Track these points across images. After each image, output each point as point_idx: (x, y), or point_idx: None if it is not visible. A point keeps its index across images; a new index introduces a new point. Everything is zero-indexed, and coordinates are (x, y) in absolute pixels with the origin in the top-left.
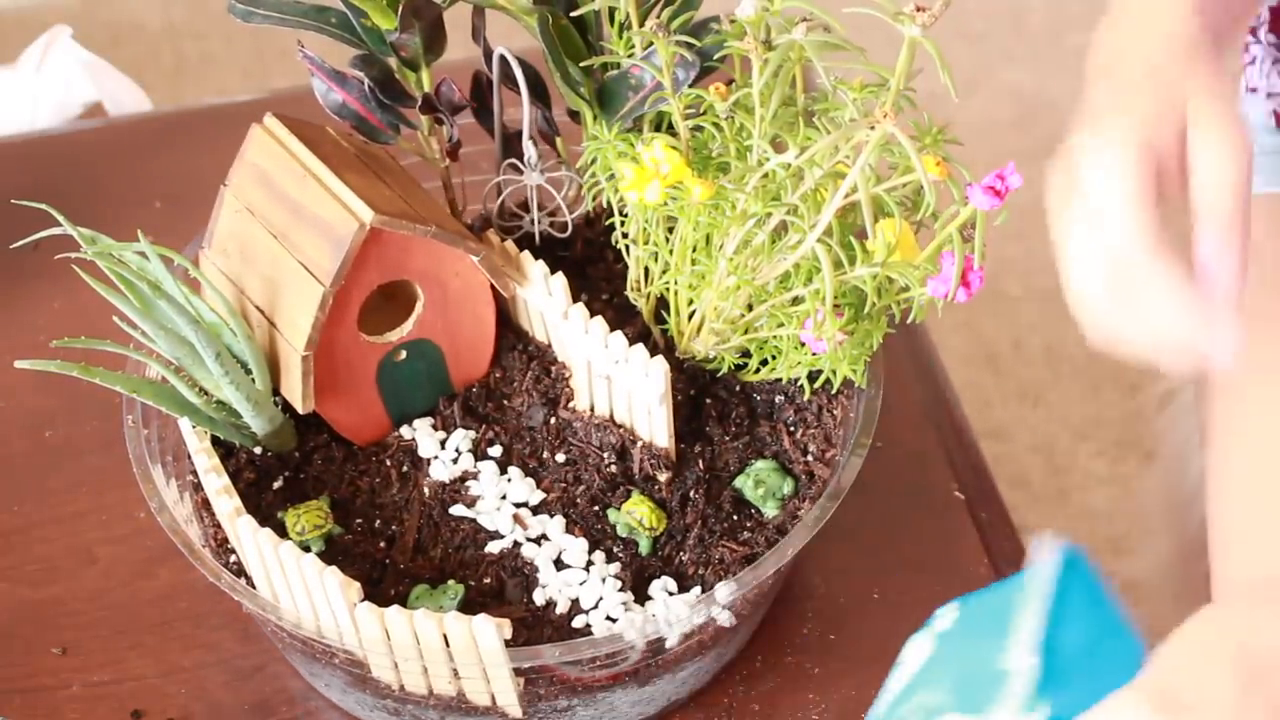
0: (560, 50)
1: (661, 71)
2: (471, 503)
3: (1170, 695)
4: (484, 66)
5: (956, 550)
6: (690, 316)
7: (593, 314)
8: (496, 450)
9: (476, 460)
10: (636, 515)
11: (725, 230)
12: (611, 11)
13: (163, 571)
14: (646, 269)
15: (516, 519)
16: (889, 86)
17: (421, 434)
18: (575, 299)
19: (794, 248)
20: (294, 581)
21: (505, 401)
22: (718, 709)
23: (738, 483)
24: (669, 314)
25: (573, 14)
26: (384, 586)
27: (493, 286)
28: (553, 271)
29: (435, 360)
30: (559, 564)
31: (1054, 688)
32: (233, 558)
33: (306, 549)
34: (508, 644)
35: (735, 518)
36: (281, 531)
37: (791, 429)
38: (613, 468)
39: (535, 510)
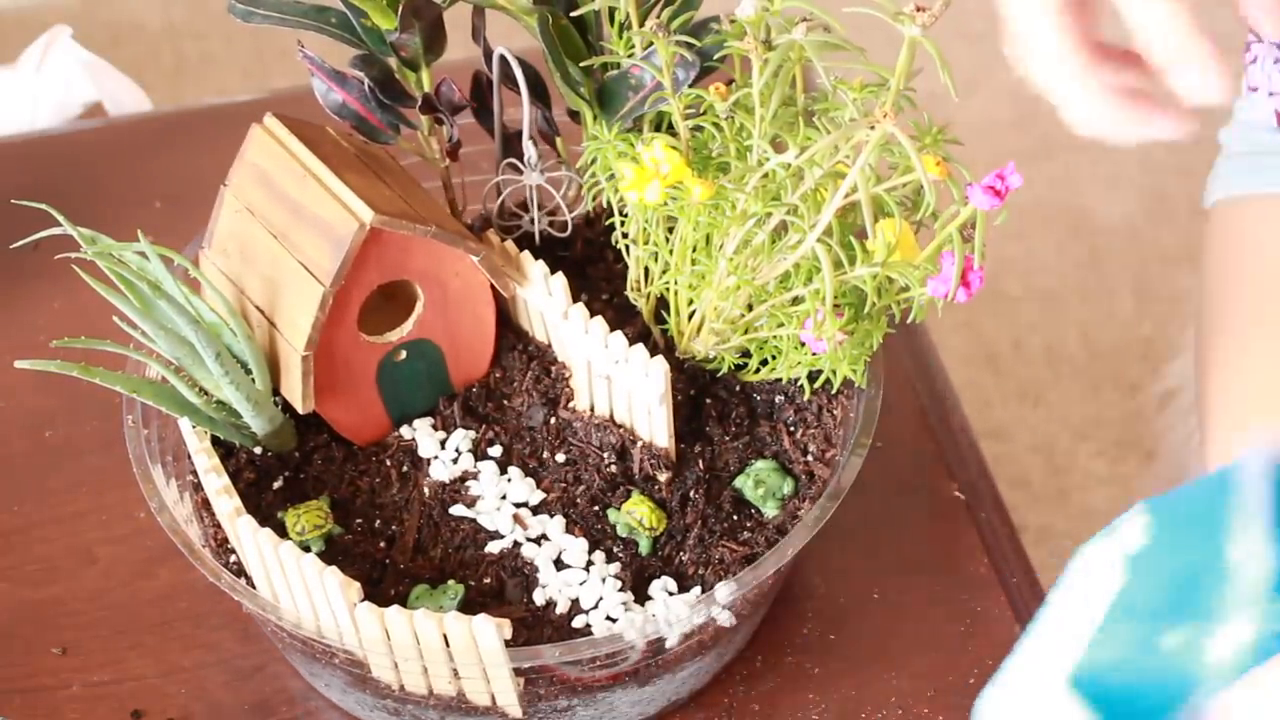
0: (560, 50)
1: (661, 71)
2: (471, 503)
3: None
4: (484, 66)
5: (956, 550)
6: (690, 316)
7: (593, 314)
8: (496, 450)
9: (476, 460)
10: (636, 515)
11: (725, 230)
12: (611, 11)
13: (163, 571)
14: (646, 269)
15: (516, 519)
16: (889, 86)
17: (421, 434)
18: (575, 299)
19: (794, 248)
20: (294, 581)
21: (505, 401)
22: (718, 709)
23: (738, 483)
24: (669, 314)
25: (573, 14)
26: (384, 586)
27: (493, 286)
28: (553, 271)
29: (435, 360)
30: (559, 564)
31: None
32: (233, 558)
33: (306, 549)
34: (508, 644)
35: (735, 518)
36: (281, 531)
37: (791, 429)
38: (613, 468)
39: (535, 510)
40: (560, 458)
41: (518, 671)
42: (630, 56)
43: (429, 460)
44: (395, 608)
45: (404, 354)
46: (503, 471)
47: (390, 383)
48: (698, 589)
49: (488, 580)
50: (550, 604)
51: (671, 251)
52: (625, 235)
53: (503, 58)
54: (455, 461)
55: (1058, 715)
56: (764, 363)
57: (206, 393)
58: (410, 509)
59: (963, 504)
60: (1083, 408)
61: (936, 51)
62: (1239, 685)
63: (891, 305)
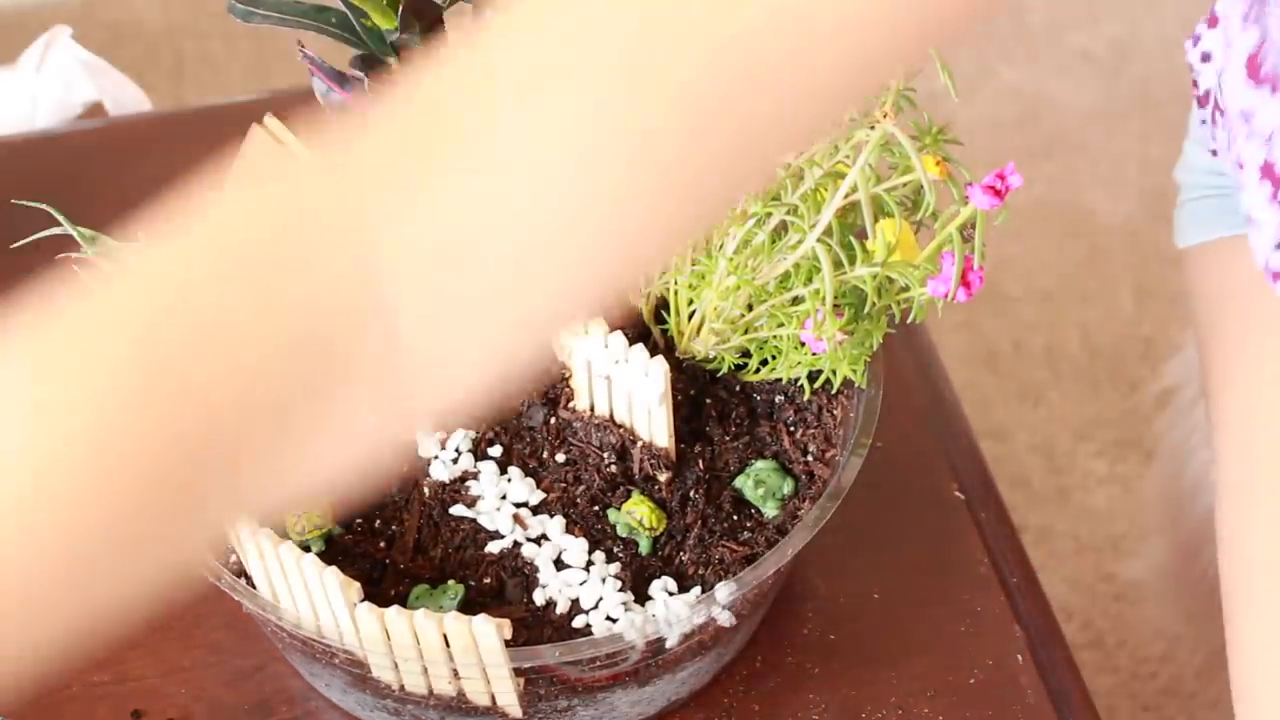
0: None
1: None
2: (471, 503)
3: None
4: None
5: (956, 550)
6: (690, 316)
7: None
8: (496, 450)
9: (476, 460)
10: (636, 515)
11: (725, 230)
12: None
13: None
14: None
15: (516, 519)
16: (889, 86)
17: (421, 434)
18: None
19: (794, 248)
20: (294, 581)
21: (505, 401)
22: (718, 709)
23: (738, 483)
24: (669, 314)
25: None
26: (384, 586)
27: None
28: None
29: None
30: (559, 564)
31: None
32: (233, 558)
33: (306, 549)
34: (508, 644)
35: (735, 518)
36: (281, 531)
37: (791, 429)
38: (613, 468)
39: (535, 510)
40: (560, 458)
41: (518, 671)
42: None
43: (429, 460)
44: (395, 608)
45: None
46: (503, 471)
47: None
48: (698, 589)
49: (488, 580)
50: (550, 604)
51: None
52: None
53: None
54: (455, 461)
55: None
56: (764, 363)
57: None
58: (410, 509)
59: (963, 504)
60: (1083, 408)
61: (936, 51)
62: None
63: (891, 305)
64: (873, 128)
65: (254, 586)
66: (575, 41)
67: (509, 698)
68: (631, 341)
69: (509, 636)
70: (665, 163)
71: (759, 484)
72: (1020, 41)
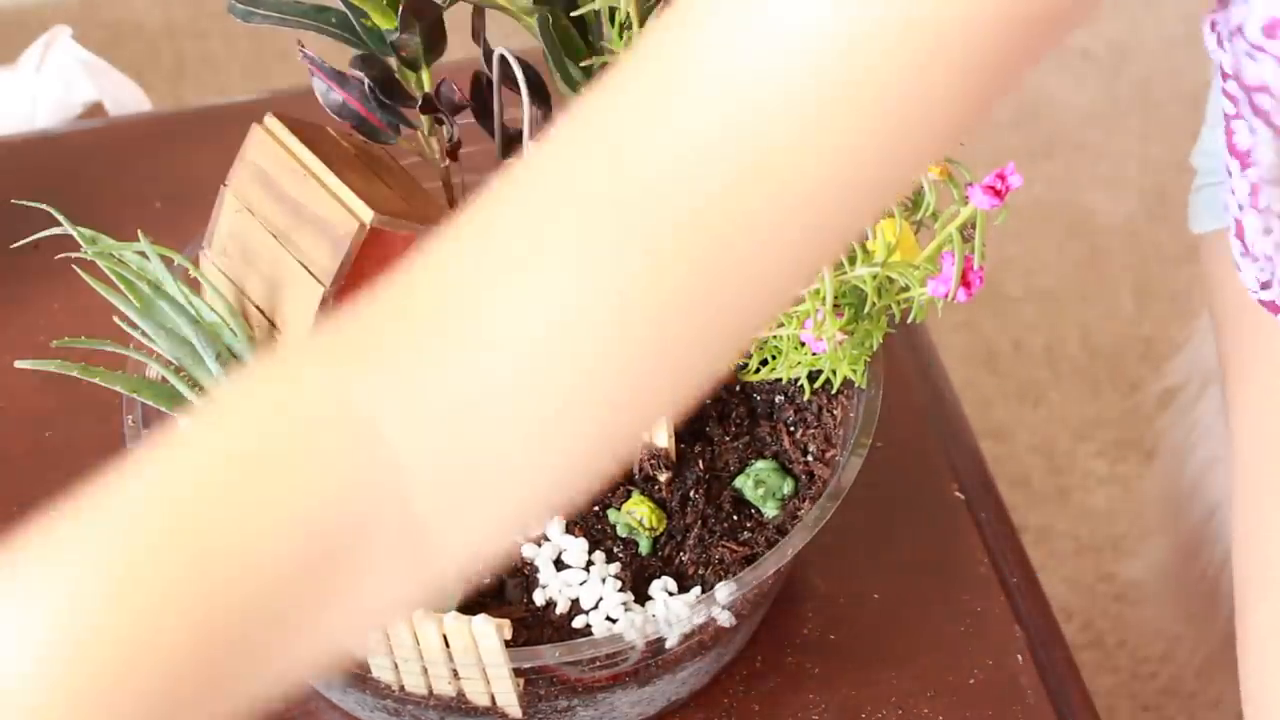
0: (560, 50)
1: None
2: None
3: None
4: (484, 66)
5: (956, 550)
6: None
7: None
8: None
9: None
10: (636, 515)
11: None
12: (612, 11)
13: None
14: None
15: None
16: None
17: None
18: None
19: None
20: None
21: None
22: (718, 709)
23: (738, 483)
24: None
25: (573, 14)
26: None
27: None
28: None
29: None
30: (559, 564)
31: None
32: None
33: None
34: (508, 644)
35: (735, 518)
36: None
37: (791, 429)
38: None
39: None
40: None
41: (518, 672)
42: None
43: None
44: None
45: None
46: None
47: None
48: (698, 589)
49: (487, 580)
50: (550, 604)
51: None
52: None
53: (503, 58)
54: None
55: None
56: (764, 363)
57: (207, 393)
58: None
59: (963, 504)
60: (1083, 408)
61: None
62: None
63: (891, 305)
64: None
65: None
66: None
67: (509, 698)
68: None
69: (509, 636)
70: (651, 325)
71: (759, 484)
72: None
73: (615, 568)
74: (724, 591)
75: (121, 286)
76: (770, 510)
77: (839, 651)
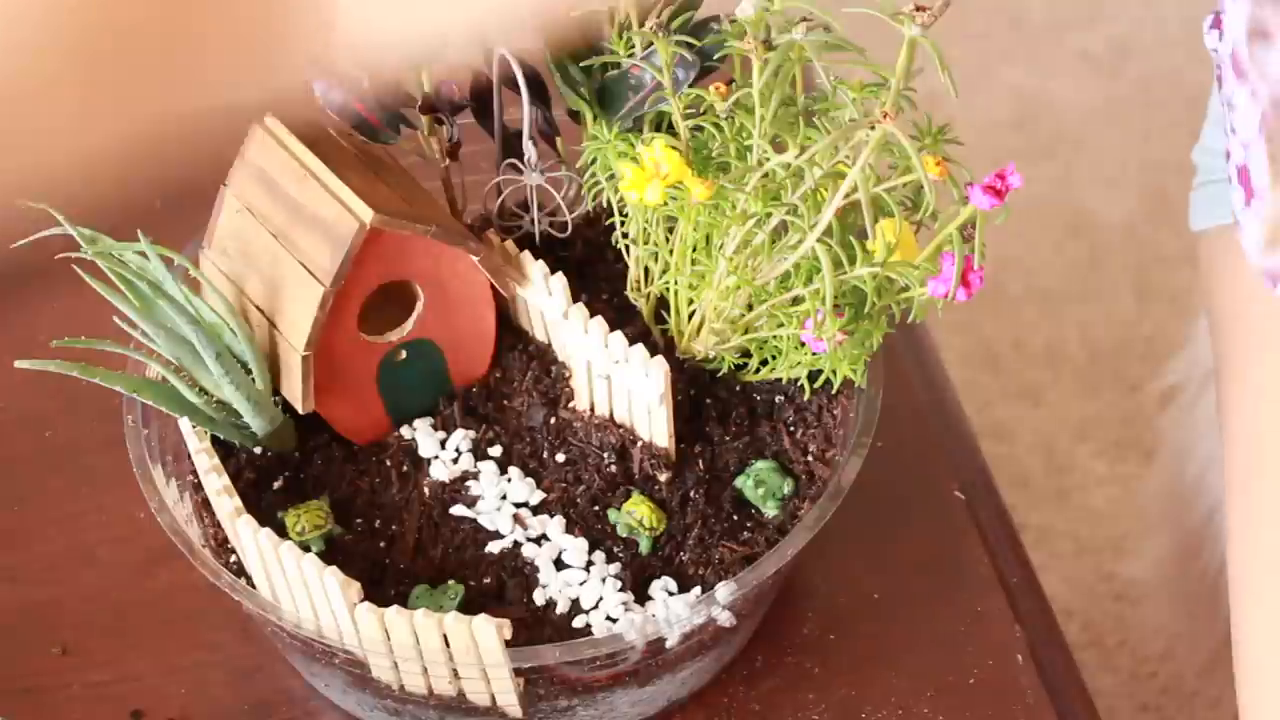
0: (560, 50)
1: (661, 71)
2: (471, 503)
3: None
4: (484, 66)
5: (956, 550)
6: (690, 316)
7: (593, 314)
8: (496, 450)
9: (476, 460)
10: (636, 515)
11: (725, 230)
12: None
13: (163, 571)
14: (646, 269)
15: (517, 519)
16: (889, 86)
17: (421, 434)
18: (575, 299)
19: (794, 248)
20: (294, 581)
21: (505, 401)
22: (718, 709)
23: (738, 483)
24: (669, 314)
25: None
26: (384, 586)
27: (493, 286)
28: (553, 271)
29: (435, 360)
30: (559, 564)
31: None
32: (233, 558)
33: (307, 549)
34: (508, 644)
35: (735, 518)
36: (282, 532)
37: (791, 429)
38: (613, 468)
39: (535, 510)
40: (560, 458)
41: (518, 672)
42: (630, 56)
43: (429, 460)
44: (395, 608)
45: (404, 354)
46: (503, 471)
47: (390, 383)
48: (698, 589)
49: (488, 580)
50: (550, 604)
51: (671, 251)
52: (625, 235)
53: (503, 58)
54: (455, 461)
55: None
56: (764, 363)
57: (206, 393)
58: (410, 509)
59: (963, 504)
60: (1083, 408)
61: (936, 51)
62: None
63: (891, 305)
64: (873, 128)
65: (254, 586)
66: None
67: (509, 698)
68: (631, 341)
69: (509, 636)
70: None
71: (759, 484)
72: (1020, 41)
73: (615, 568)
74: (724, 591)
75: (121, 286)
76: (770, 510)
77: (839, 651)
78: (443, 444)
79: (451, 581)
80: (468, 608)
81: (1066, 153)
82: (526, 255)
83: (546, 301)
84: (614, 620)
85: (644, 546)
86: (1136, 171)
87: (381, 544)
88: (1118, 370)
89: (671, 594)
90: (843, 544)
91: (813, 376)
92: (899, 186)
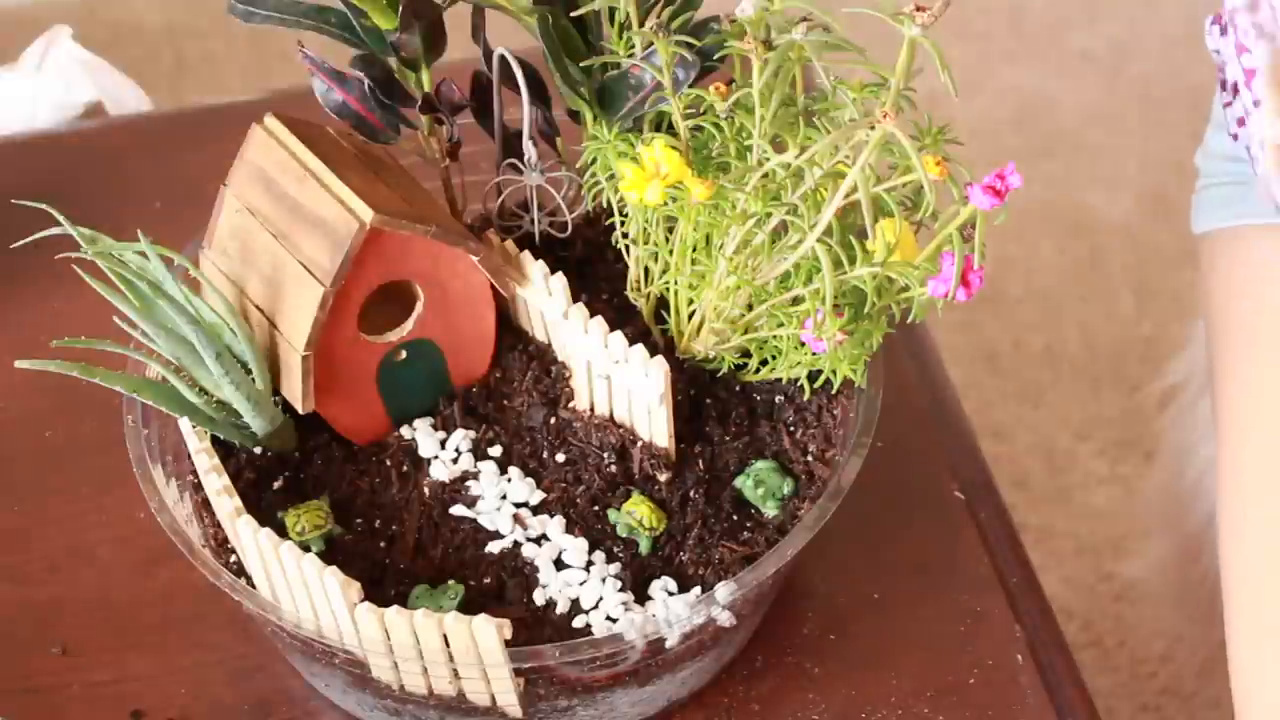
0: (560, 50)
1: (661, 71)
2: (471, 503)
3: None
4: (484, 66)
5: (956, 550)
6: (690, 316)
7: (593, 314)
8: (496, 450)
9: (476, 460)
10: (636, 515)
11: (725, 230)
12: (611, 11)
13: (163, 571)
14: (646, 269)
15: (516, 519)
16: (889, 86)
17: (421, 434)
18: (575, 299)
19: (794, 248)
20: (294, 581)
21: (505, 401)
22: (718, 709)
23: (738, 483)
24: (669, 314)
25: (573, 14)
26: (384, 586)
27: (493, 286)
28: (553, 271)
29: (435, 360)
30: (559, 564)
31: None
32: (233, 558)
33: (307, 549)
34: (508, 644)
35: (735, 518)
36: (282, 531)
37: (791, 429)
38: (613, 468)
39: (535, 510)
40: (560, 458)
41: (518, 671)
42: (630, 56)
43: (429, 460)
44: (395, 608)
45: (404, 354)
46: (503, 471)
47: (390, 383)
48: (698, 589)
49: (488, 580)
50: (550, 604)
51: (671, 251)
52: (625, 235)
53: (503, 58)
54: (455, 461)
55: None
56: (764, 363)
57: (206, 393)
58: (410, 509)
59: (963, 504)
60: (1083, 408)
61: (937, 51)
62: None
63: (891, 305)
64: (873, 128)
65: (254, 586)
66: None
67: (509, 698)
68: (631, 341)
69: (509, 636)
70: None
71: (759, 484)
72: (1020, 41)
73: (615, 568)
74: (724, 591)
75: (121, 286)
76: (770, 510)
77: (839, 651)
78: (443, 444)
79: (451, 581)
80: (468, 608)
81: (1066, 153)
82: (526, 255)
83: (546, 301)
84: (614, 620)
85: (644, 546)
86: (1136, 171)
87: (381, 544)
88: (1118, 370)
89: (671, 594)
90: (843, 544)
91: (813, 376)
92: (899, 186)
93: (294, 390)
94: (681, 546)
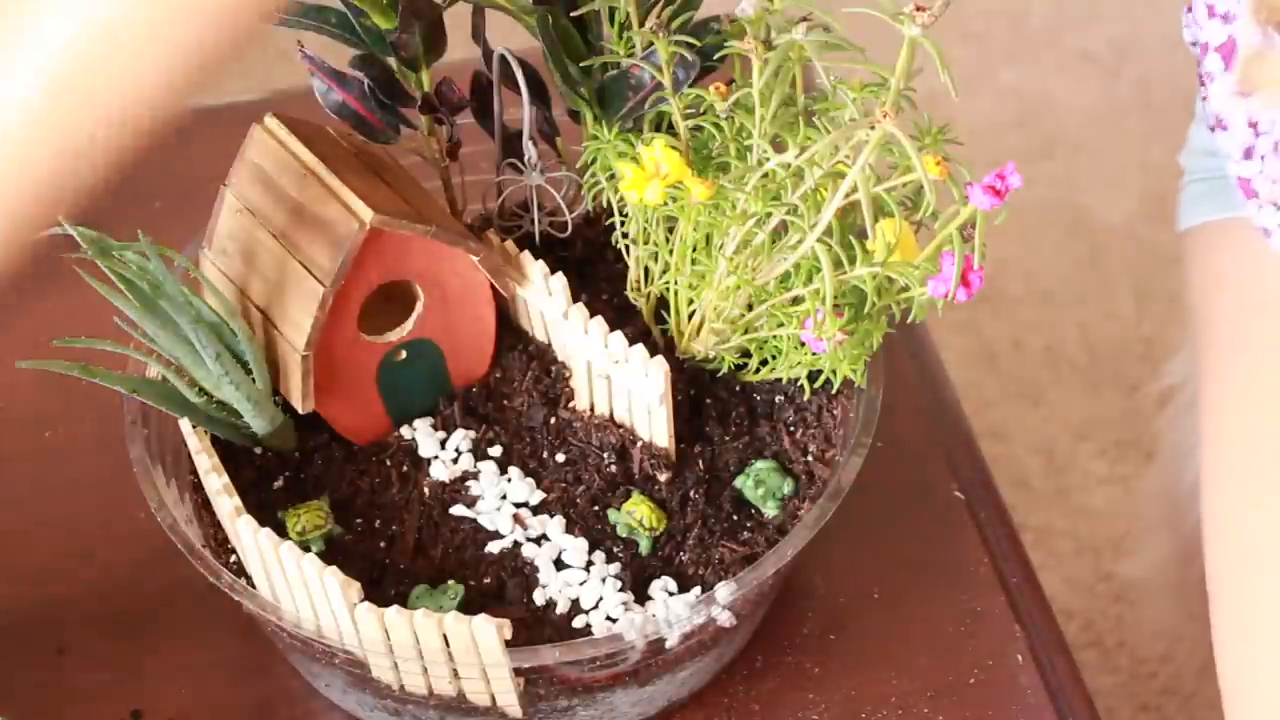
0: (560, 50)
1: (661, 71)
2: (471, 503)
3: None
4: (484, 66)
5: (956, 550)
6: (690, 316)
7: (593, 314)
8: (496, 450)
9: (476, 460)
10: (636, 515)
11: (725, 230)
12: (611, 11)
13: (162, 571)
14: (646, 269)
15: (516, 519)
16: (889, 86)
17: (421, 434)
18: (575, 299)
19: (794, 248)
20: (294, 581)
21: (505, 401)
22: (718, 709)
23: (738, 483)
24: (669, 314)
25: (573, 14)
26: (384, 586)
27: (493, 286)
28: (553, 271)
29: (435, 360)
30: (559, 564)
31: None
32: (233, 558)
33: (307, 549)
34: (508, 644)
35: (735, 518)
36: (282, 531)
37: (791, 429)
38: (613, 468)
39: (535, 510)
40: (560, 458)
41: (518, 671)
42: (630, 56)
43: (429, 460)
44: (395, 608)
45: (404, 354)
46: (503, 471)
47: (390, 383)
48: (698, 589)
49: (488, 580)
50: (550, 604)
51: (671, 251)
52: (625, 235)
53: (503, 58)
54: (455, 461)
55: None
56: (764, 363)
57: (206, 393)
58: (410, 509)
59: (963, 504)
60: (1083, 408)
61: (937, 51)
62: None
63: (891, 305)
64: (873, 128)
65: (254, 586)
66: None
67: (509, 698)
68: (631, 341)
69: (509, 636)
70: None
71: (759, 484)
72: (1020, 41)
73: (615, 568)
74: (724, 591)
75: (121, 286)
76: (770, 510)
77: (839, 651)
78: (443, 444)
79: (451, 581)
80: (468, 608)
81: (1066, 153)
82: (526, 255)
83: (546, 301)
84: (614, 620)
85: (644, 546)
86: (1136, 172)
87: (381, 544)
88: (1118, 370)
89: (671, 594)
90: (843, 544)
91: (813, 376)
92: (899, 186)
93: (294, 390)
94: (681, 546)
